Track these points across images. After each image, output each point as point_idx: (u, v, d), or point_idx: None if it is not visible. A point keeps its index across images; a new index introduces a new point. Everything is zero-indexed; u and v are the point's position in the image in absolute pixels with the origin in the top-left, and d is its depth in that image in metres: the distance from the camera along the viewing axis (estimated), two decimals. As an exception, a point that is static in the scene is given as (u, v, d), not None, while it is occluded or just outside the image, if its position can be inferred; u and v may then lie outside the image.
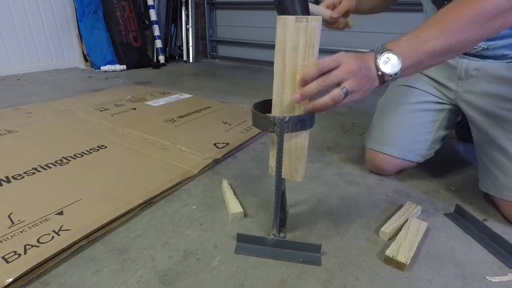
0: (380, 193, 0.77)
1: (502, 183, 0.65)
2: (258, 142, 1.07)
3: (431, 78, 0.82)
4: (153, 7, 2.51)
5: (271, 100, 0.56)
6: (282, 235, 0.60)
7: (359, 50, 2.20)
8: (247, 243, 0.58)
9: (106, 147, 0.96)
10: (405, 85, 0.84)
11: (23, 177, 0.78)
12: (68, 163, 0.85)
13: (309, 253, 0.56)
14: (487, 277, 0.52)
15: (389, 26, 2.00)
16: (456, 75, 0.76)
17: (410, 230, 0.60)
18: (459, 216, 0.67)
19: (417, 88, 0.82)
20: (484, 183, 0.70)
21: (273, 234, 0.58)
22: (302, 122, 0.49)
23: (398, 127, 0.81)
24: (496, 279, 0.52)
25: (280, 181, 0.55)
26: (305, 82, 0.47)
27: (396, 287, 0.51)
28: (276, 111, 0.51)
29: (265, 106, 0.55)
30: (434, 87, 0.81)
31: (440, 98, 0.81)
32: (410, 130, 0.80)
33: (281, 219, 0.59)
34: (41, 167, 0.82)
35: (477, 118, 0.72)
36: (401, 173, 0.86)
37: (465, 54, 0.75)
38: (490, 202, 0.73)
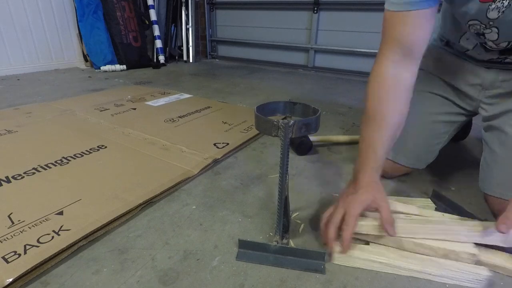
0: (380, 193, 0.77)
1: (495, 180, 0.66)
2: (258, 142, 1.07)
3: (452, 86, 0.77)
4: (153, 7, 2.51)
5: (273, 102, 0.56)
6: (284, 241, 0.58)
7: (358, 50, 2.20)
8: (249, 249, 0.57)
9: (106, 147, 0.96)
10: (425, 91, 0.79)
11: (23, 177, 0.78)
12: (68, 163, 0.85)
13: (312, 261, 0.55)
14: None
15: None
16: (480, 84, 0.72)
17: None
18: (437, 201, 0.70)
19: (439, 95, 0.77)
20: (481, 182, 0.70)
21: (275, 241, 0.57)
22: (307, 126, 0.48)
23: (415, 138, 0.77)
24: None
25: (283, 187, 0.53)
26: None
27: (396, 287, 0.51)
28: None
29: (268, 108, 0.54)
30: (455, 94, 0.77)
31: (460, 108, 0.77)
32: (425, 142, 0.78)
33: (284, 224, 0.58)
34: (41, 167, 0.82)
35: (498, 121, 0.69)
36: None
37: (492, 61, 0.69)
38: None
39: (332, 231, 0.53)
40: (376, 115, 0.60)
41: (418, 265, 0.52)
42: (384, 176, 0.84)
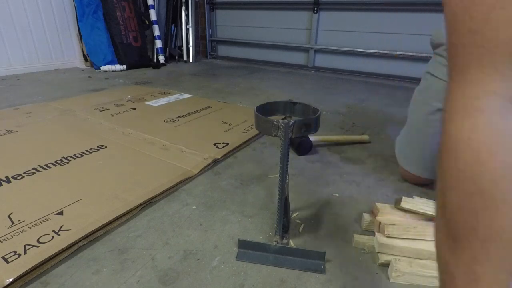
0: (380, 193, 0.77)
1: None
2: (258, 142, 1.07)
3: None
4: (153, 7, 2.51)
5: (273, 102, 0.56)
6: (284, 241, 0.58)
7: (358, 50, 2.20)
8: (249, 249, 0.57)
9: (106, 147, 0.96)
10: (432, 105, 0.73)
11: (23, 177, 0.78)
12: (68, 163, 0.85)
13: (312, 261, 0.55)
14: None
15: (389, 27, 2.01)
16: None
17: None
18: None
19: None
20: None
21: (275, 241, 0.57)
22: (307, 126, 0.48)
23: (429, 150, 0.74)
24: None
25: (283, 187, 0.53)
26: None
27: (396, 286, 0.51)
28: None
29: (267, 108, 0.54)
30: None
31: None
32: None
33: (284, 225, 0.58)
34: (41, 167, 0.82)
35: None
36: (401, 173, 0.86)
37: None
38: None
39: None
40: (494, 204, 0.27)
41: None
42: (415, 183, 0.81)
